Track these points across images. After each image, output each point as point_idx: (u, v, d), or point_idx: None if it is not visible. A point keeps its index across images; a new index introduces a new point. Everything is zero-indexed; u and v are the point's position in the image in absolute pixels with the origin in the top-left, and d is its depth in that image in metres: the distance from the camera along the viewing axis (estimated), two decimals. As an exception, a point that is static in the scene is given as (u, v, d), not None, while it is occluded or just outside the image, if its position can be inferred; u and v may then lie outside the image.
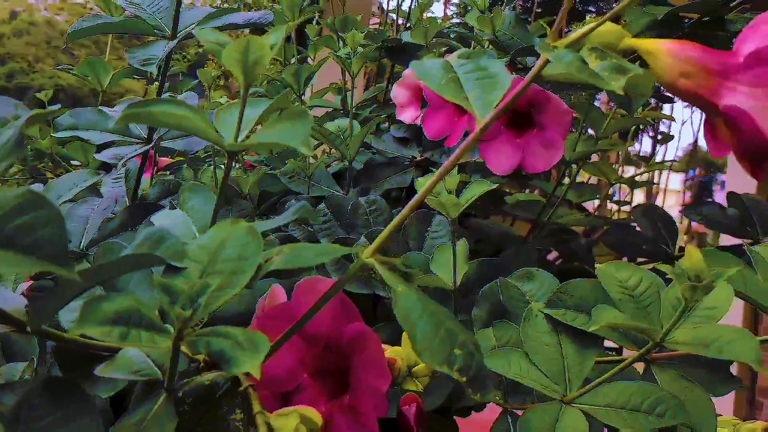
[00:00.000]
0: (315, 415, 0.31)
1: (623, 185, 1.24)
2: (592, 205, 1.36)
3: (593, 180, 1.38)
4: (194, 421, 0.32)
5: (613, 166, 1.21)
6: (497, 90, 0.34)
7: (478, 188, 0.52)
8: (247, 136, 0.36)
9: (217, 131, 0.34)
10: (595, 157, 1.25)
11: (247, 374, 0.33)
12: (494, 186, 0.51)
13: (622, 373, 0.44)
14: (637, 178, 1.32)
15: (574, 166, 0.97)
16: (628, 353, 0.45)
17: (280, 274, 0.33)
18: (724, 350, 0.35)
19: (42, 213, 0.24)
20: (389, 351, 0.44)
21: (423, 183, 0.51)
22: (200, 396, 0.32)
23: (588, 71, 0.30)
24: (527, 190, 1.37)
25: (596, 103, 1.18)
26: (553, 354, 0.45)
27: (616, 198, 1.44)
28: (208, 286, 0.27)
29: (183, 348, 0.29)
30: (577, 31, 0.32)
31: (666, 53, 0.31)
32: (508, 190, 1.30)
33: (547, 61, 0.33)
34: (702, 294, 0.33)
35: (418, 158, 0.95)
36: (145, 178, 0.94)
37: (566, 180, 1.05)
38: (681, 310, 0.35)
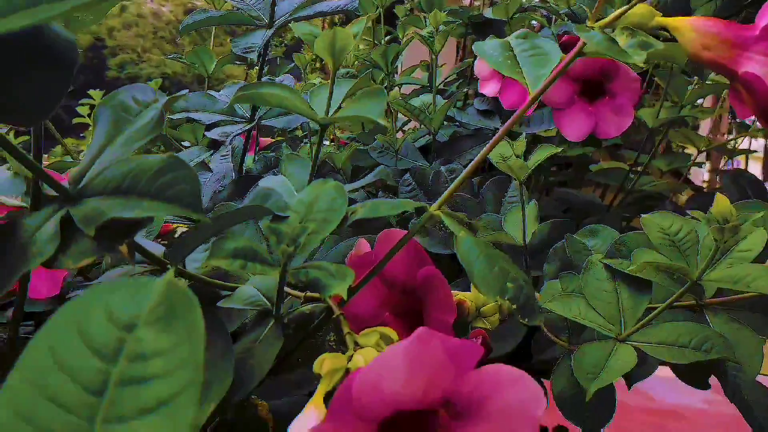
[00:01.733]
0: (393, 333, 0.38)
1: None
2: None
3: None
4: (296, 342, 0.40)
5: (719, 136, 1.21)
6: (547, 65, 0.40)
7: (543, 152, 0.57)
8: (336, 112, 0.43)
9: (311, 108, 0.41)
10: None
11: (339, 305, 0.40)
12: (559, 149, 0.56)
13: (676, 318, 0.49)
14: (727, 146, 1.31)
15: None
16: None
17: (364, 228, 0.40)
18: (751, 285, 0.40)
19: (182, 172, 0.32)
20: (460, 295, 0.51)
21: (494, 155, 0.57)
22: (301, 323, 0.40)
23: (616, 48, 0.35)
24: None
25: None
26: (609, 298, 0.50)
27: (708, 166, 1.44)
28: (306, 229, 0.35)
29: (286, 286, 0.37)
30: (613, 13, 0.37)
31: (690, 29, 0.36)
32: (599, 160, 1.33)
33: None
34: (729, 235, 0.37)
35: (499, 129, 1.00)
36: (249, 155, 1.04)
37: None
38: (713, 250, 0.39)
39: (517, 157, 0.57)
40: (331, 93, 0.41)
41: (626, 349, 0.47)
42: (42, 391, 0.20)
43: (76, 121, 1.66)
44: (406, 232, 0.45)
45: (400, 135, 1.16)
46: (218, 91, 0.91)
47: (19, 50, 0.27)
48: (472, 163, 0.40)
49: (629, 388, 0.53)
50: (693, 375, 0.55)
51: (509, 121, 0.40)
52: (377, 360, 0.26)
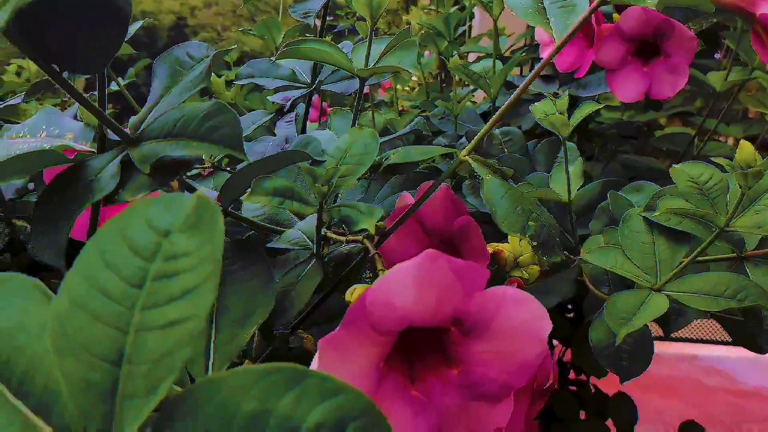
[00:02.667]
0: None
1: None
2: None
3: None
4: (336, 278, 0.43)
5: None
6: (574, 15, 0.41)
7: (586, 108, 0.58)
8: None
9: (350, 62, 0.44)
10: None
11: (375, 245, 0.43)
12: (601, 106, 0.57)
13: (717, 270, 0.49)
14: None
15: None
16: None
17: (396, 170, 0.42)
18: (774, 230, 0.40)
19: (225, 116, 0.36)
20: (499, 246, 0.53)
21: (537, 108, 0.58)
22: (341, 261, 0.43)
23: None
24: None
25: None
26: (646, 250, 0.51)
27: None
28: (338, 171, 0.38)
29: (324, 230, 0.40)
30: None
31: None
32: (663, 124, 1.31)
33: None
34: (753, 180, 0.38)
35: (560, 93, 1.00)
36: (314, 123, 1.08)
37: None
38: (739, 196, 0.40)
39: (560, 113, 0.58)
40: (369, 47, 0.43)
41: (659, 298, 0.48)
42: (93, 285, 0.23)
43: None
44: (447, 186, 0.48)
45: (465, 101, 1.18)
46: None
47: (80, 4, 0.31)
48: (503, 107, 0.42)
49: (666, 336, 0.54)
50: (743, 334, 0.56)
51: (536, 70, 0.42)
52: (388, 276, 0.29)
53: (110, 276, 0.23)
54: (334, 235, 0.47)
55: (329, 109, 1.32)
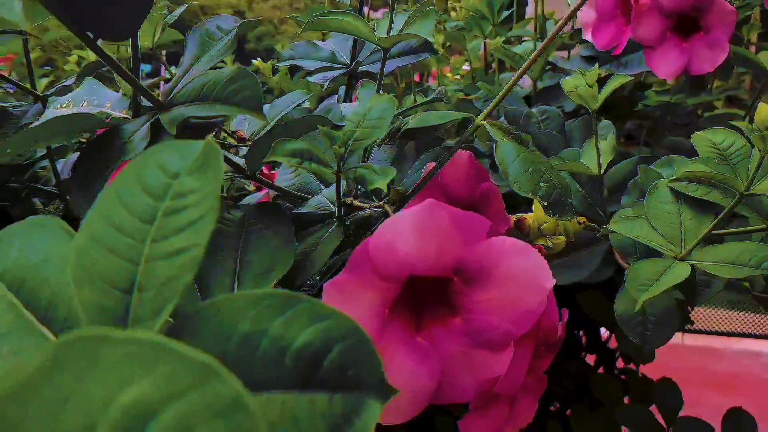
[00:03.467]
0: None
1: None
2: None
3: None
4: (356, 241, 0.45)
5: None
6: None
7: (617, 81, 0.58)
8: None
9: (372, 32, 0.46)
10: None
11: (395, 211, 0.45)
12: (631, 78, 0.57)
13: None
14: None
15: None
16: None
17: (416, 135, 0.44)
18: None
19: (246, 81, 0.38)
20: (524, 215, 0.54)
21: (567, 82, 0.59)
22: (361, 224, 0.45)
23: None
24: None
25: None
26: (672, 219, 0.51)
27: None
28: (354, 133, 0.39)
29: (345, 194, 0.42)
30: None
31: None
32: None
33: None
34: (771, 142, 0.38)
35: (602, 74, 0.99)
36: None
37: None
38: (758, 160, 0.40)
39: (590, 86, 0.58)
40: (391, 18, 0.45)
41: (682, 266, 0.48)
42: (109, 221, 0.26)
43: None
44: (469, 152, 0.49)
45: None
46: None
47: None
48: (516, 76, 0.43)
49: (691, 309, 0.54)
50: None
51: (547, 39, 0.42)
52: (389, 222, 0.30)
53: (124, 214, 0.26)
54: (358, 203, 0.48)
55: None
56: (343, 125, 0.41)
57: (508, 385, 0.33)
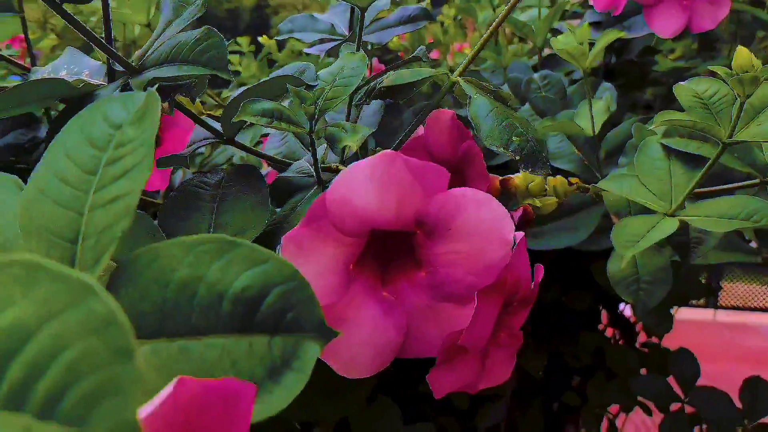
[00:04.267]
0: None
1: None
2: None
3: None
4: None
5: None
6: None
7: (607, 36, 0.57)
8: None
9: None
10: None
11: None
12: (622, 32, 0.56)
13: (738, 196, 0.48)
14: None
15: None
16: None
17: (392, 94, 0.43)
18: (773, 138, 0.39)
19: (213, 41, 0.37)
20: (512, 176, 0.53)
21: (557, 40, 0.58)
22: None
23: None
24: None
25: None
26: (662, 176, 0.50)
27: None
28: (324, 92, 0.39)
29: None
30: None
31: None
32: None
33: None
34: (751, 88, 0.37)
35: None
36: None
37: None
38: (738, 105, 0.39)
39: (580, 44, 0.57)
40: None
41: (670, 221, 0.47)
42: (55, 174, 0.26)
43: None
44: (452, 112, 0.48)
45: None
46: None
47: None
48: (494, 24, 0.42)
49: (683, 264, 0.53)
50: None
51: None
52: (344, 174, 0.30)
53: (70, 165, 0.26)
54: (341, 166, 0.48)
55: (378, 66, 1.33)
56: (315, 85, 0.41)
57: (473, 339, 0.32)
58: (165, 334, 0.23)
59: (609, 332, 1.25)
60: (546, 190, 0.55)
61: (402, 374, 1.06)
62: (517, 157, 0.38)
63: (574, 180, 0.58)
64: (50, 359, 0.14)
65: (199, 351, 0.23)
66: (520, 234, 0.34)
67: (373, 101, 0.52)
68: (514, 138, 0.38)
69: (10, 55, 0.62)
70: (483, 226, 0.31)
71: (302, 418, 0.51)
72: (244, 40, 1.67)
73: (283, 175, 0.47)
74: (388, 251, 0.34)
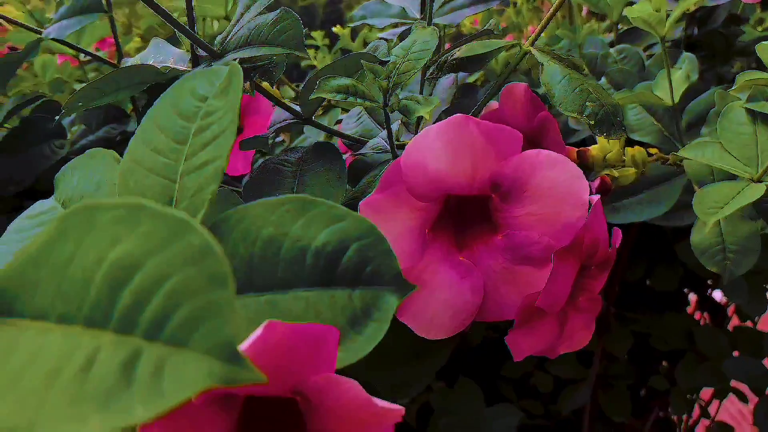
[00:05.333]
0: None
1: None
2: None
3: None
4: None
5: None
6: None
7: (685, 3, 0.55)
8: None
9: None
10: None
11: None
12: (700, -2, 0.54)
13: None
14: None
15: None
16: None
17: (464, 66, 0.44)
18: None
19: (288, 22, 0.39)
20: (586, 147, 0.52)
21: (632, 9, 0.57)
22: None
23: None
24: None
25: None
26: (747, 141, 0.49)
27: None
28: (397, 66, 0.40)
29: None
30: None
31: None
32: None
33: None
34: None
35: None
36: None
37: None
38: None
39: (656, 11, 0.56)
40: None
41: (756, 187, 0.46)
42: (149, 146, 0.28)
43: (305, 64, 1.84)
44: (526, 84, 0.48)
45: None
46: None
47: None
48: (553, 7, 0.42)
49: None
50: None
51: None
52: (417, 139, 0.31)
53: (162, 137, 0.28)
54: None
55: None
56: (390, 61, 0.42)
57: (550, 300, 0.33)
58: (253, 288, 0.25)
59: (698, 317, 1.21)
60: (624, 161, 0.54)
61: (484, 358, 1.07)
62: (592, 122, 0.38)
63: (653, 150, 0.57)
64: (155, 288, 0.15)
65: (285, 304, 0.25)
66: (596, 196, 0.34)
67: (445, 76, 0.53)
68: (587, 104, 0.38)
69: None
70: (558, 187, 0.32)
71: (390, 380, 0.52)
72: (318, 34, 1.70)
73: (359, 153, 0.48)
74: (464, 217, 0.35)
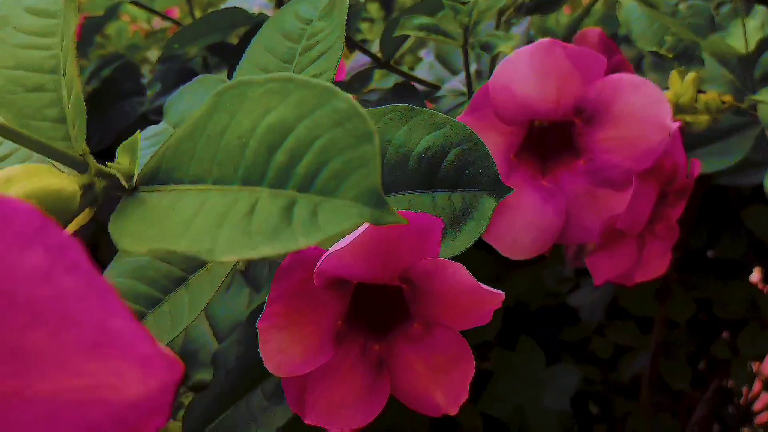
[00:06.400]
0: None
1: None
2: None
3: None
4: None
5: None
6: None
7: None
8: None
9: None
10: None
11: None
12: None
13: None
14: None
15: None
16: None
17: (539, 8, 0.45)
18: None
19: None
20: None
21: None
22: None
23: None
24: None
25: None
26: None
27: None
28: (477, 4, 0.41)
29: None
30: None
31: None
32: None
33: None
34: None
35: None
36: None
37: None
38: None
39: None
40: None
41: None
42: (257, 66, 0.30)
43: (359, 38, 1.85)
44: (599, 29, 0.49)
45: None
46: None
47: None
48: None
49: None
50: None
51: None
52: (505, 62, 0.32)
53: (270, 57, 0.30)
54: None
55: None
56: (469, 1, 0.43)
57: (631, 222, 0.34)
58: (359, 192, 0.27)
59: (761, 288, 1.19)
60: (697, 108, 0.54)
61: (542, 325, 1.08)
62: (671, 55, 0.38)
63: (726, 98, 0.57)
64: (306, 147, 0.17)
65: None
66: (677, 123, 0.35)
67: (518, 24, 0.54)
68: (666, 38, 0.39)
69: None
70: (641, 111, 0.33)
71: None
72: (373, 6, 1.71)
73: (438, 95, 0.50)
74: (547, 144, 0.36)
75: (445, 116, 0.26)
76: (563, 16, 1.06)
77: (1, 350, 0.11)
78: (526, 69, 0.32)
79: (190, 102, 0.34)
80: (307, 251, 0.23)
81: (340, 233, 0.16)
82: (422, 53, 0.87)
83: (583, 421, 1.03)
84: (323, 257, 0.22)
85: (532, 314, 1.07)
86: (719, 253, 1.02)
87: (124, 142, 0.21)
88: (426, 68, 0.61)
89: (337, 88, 0.17)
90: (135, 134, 0.21)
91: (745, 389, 1.21)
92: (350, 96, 0.17)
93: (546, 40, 0.32)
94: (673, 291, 1.06)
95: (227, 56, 0.69)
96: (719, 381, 1.27)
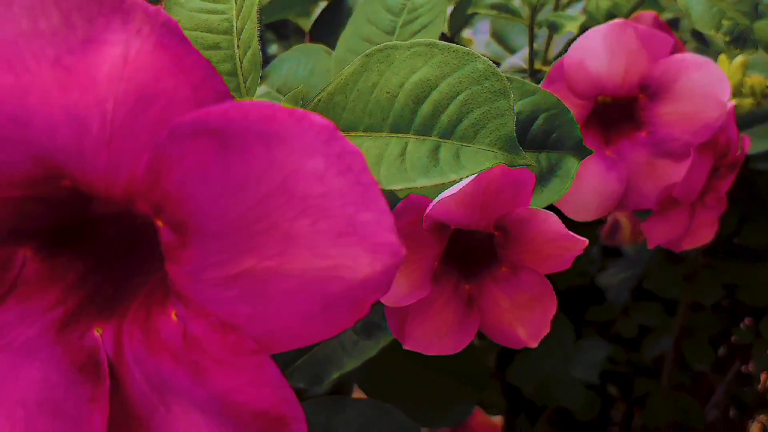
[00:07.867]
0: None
1: None
2: None
3: None
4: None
5: None
6: None
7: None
8: None
9: None
10: None
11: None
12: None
13: None
14: None
15: None
16: None
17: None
18: None
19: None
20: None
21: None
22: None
23: None
24: None
25: None
26: None
27: None
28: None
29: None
30: None
31: None
32: None
33: None
34: None
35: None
36: None
37: None
38: None
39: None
40: None
41: None
42: (360, 36, 0.34)
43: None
44: (654, 13, 0.52)
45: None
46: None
47: None
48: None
49: None
50: None
51: None
52: (581, 40, 0.36)
53: (372, 28, 0.33)
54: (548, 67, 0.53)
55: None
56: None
57: (687, 191, 0.37)
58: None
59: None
60: (742, 92, 0.57)
61: (569, 304, 1.10)
62: (728, 39, 0.41)
63: (771, 82, 0.59)
64: (449, 100, 0.21)
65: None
66: (733, 103, 0.38)
67: (572, 6, 0.57)
68: (723, 21, 0.42)
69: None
70: (702, 88, 0.36)
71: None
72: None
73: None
74: (610, 117, 0.40)
75: (536, 85, 0.30)
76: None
77: (274, 234, 0.14)
78: (599, 47, 0.35)
79: (292, 67, 0.37)
80: (418, 198, 0.26)
81: (480, 172, 0.19)
82: (468, 33, 0.90)
83: (605, 398, 1.06)
84: (434, 203, 0.26)
85: (559, 293, 1.10)
86: (746, 239, 1.04)
87: (289, 93, 0.25)
88: (483, 46, 0.64)
89: (476, 52, 0.21)
90: (299, 88, 0.25)
91: (763, 375, 1.23)
92: (487, 59, 0.21)
93: (619, 20, 0.35)
94: (700, 275, 1.08)
95: (285, 33, 0.73)
96: (740, 365, 1.29)
